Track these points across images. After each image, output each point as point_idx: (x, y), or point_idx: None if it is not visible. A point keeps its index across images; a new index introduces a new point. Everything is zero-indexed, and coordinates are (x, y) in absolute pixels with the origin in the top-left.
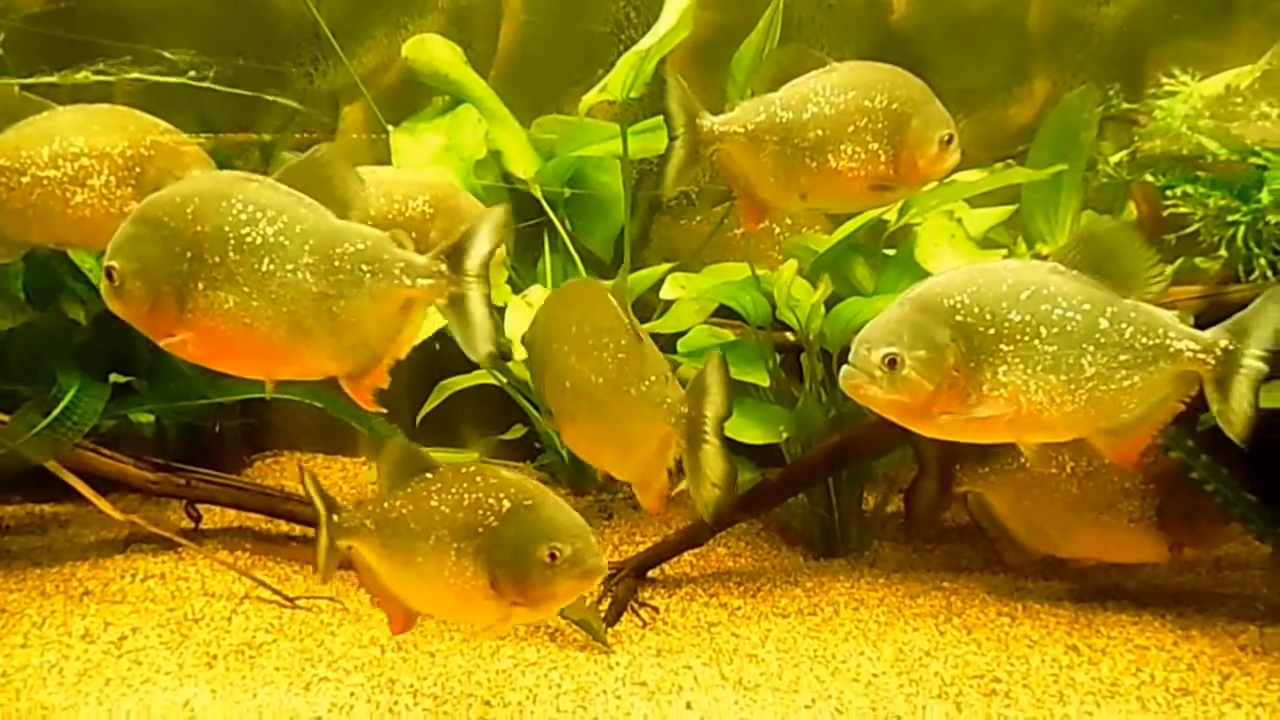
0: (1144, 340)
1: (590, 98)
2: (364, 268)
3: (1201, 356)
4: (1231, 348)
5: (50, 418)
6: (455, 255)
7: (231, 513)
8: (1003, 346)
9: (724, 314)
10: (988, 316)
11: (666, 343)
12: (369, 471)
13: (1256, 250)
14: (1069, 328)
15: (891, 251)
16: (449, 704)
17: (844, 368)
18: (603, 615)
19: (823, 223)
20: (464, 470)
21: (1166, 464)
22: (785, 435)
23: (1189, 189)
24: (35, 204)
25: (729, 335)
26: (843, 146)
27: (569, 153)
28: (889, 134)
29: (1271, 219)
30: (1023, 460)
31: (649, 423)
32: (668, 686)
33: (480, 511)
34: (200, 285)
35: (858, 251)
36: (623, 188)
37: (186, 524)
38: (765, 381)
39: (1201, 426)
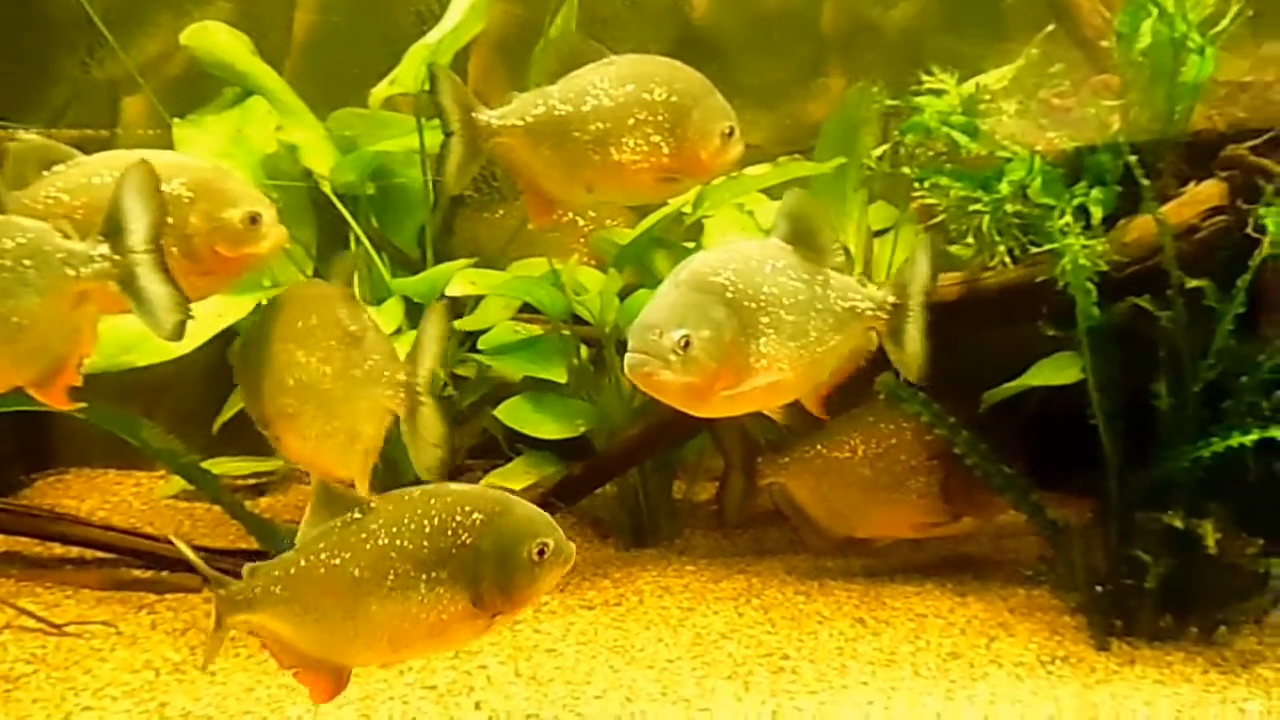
0: (842, 304)
1: (380, 90)
2: (27, 263)
3: (876, 313)
4: (898, 301)
5: None
6: (114, 234)
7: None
8: (762, 319)
9: (532, 311)
10: (749, 290)
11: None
12: (165, 485)
13: (998, 238)
14: (800, 297)
15: (691, 245)
16: None
17: (629, 355)
18: None
19: (626, 216)
20: (405, 497)
21: (945, 441)
22: (582, 428)
23: (937, 180)
24: None
25: (535, 330)
26: (624, 139)
27: (369, 147)
28: (670, 126)
29: (1010, 208)
30: (819, 447)
31: (375, 399)
32: (458, 688)
33: (450, 532)
34: None
35: (660, 244)
36: (426, 184)
37: None
38: (563, 378)
39: (984, 404)
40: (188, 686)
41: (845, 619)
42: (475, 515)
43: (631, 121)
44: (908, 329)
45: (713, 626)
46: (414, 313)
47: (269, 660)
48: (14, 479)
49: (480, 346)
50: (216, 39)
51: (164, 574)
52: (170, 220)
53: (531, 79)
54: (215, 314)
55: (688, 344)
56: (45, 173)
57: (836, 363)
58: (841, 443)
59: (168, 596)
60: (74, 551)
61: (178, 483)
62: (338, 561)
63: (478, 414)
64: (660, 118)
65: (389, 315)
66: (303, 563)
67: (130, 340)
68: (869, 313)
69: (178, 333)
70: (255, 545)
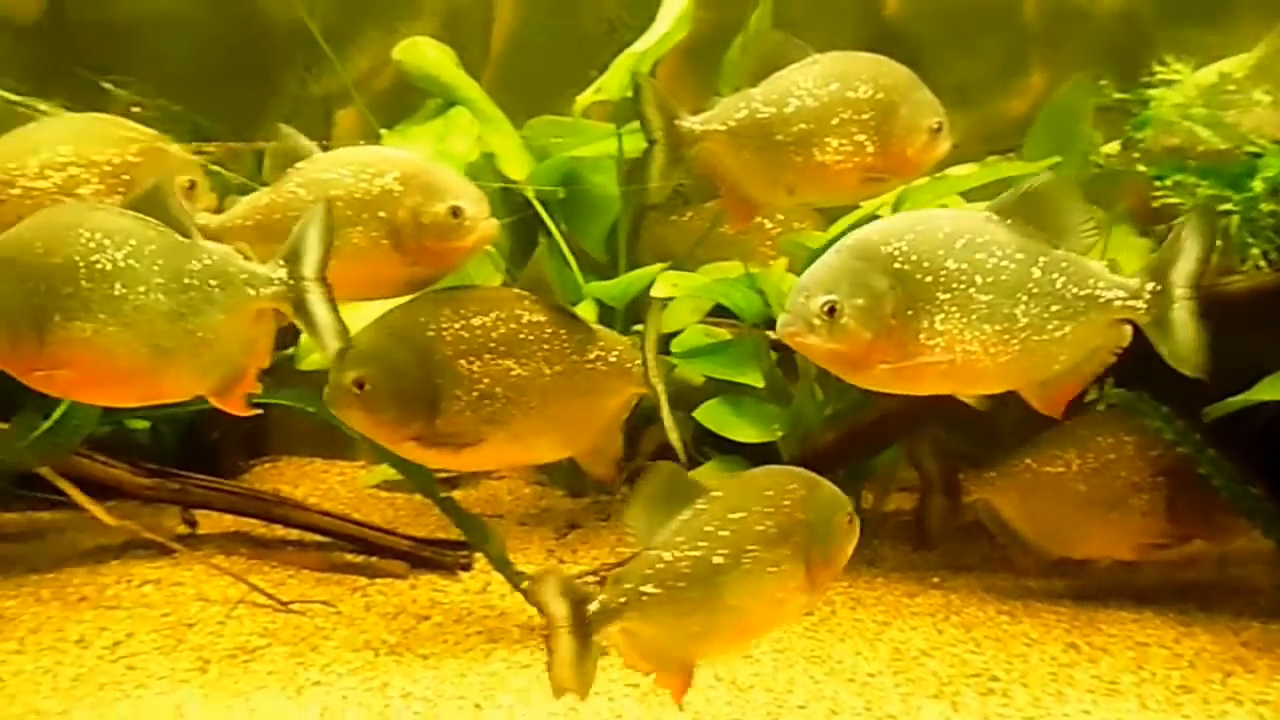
0: (1075, 290)
1: (585, 98)
2: (213, 283)
3: (1132, 303)
4: (1159, 288)
5: (50, 423)
6: (292, 261)
7: (228, 518)
8: (939, 295)
9: (721, 314)
10: (925, 264)
11: (662, 343)
12: (366, 475)
13: (1251, 240)
14: (1003, 277)
15: None
16: (440, 706)
17: (781, 315)
18: None
19: (814, 218)
20: (733, 481)
21: (1174, 457)
22: (780, 433)
23: (1181, 178)
24: (25, 216)
25: (724, 334)
26: (828, 140)
27: (562, 154)
28: (875, 125)
29: (1265, 207)
30: (1028, 462)
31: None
32: (659, 688)
33: (784, 508)
34: (56, 318)
35: None
36: (618, 187)
37: (183, 530)
38: (759, 382)
39: (1207, 418)
40: (405, 668)
41: (1056, 643)
42: (797, 489)
43: (835, 121)
44: (1176, 317)
45: (912, 642)
46: (605, 316)
47: (477, 649)
48: (235, 465)
49: (673, 349)
50: (425, 54)
51: (374, 559)
52: (381, 213)
53: (730, 81)
54: None
55: (833, 310)
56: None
57: (1071, 357)
58: (1054, 456)
59: (378, 581)
60: (293, 534)
61: (379, 473)
62: (698, 552)
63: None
64: (865, 116)
65: (583, 317)
66: (669, 558)
67: None
68: (1119, 302)
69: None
70: (452, 536)
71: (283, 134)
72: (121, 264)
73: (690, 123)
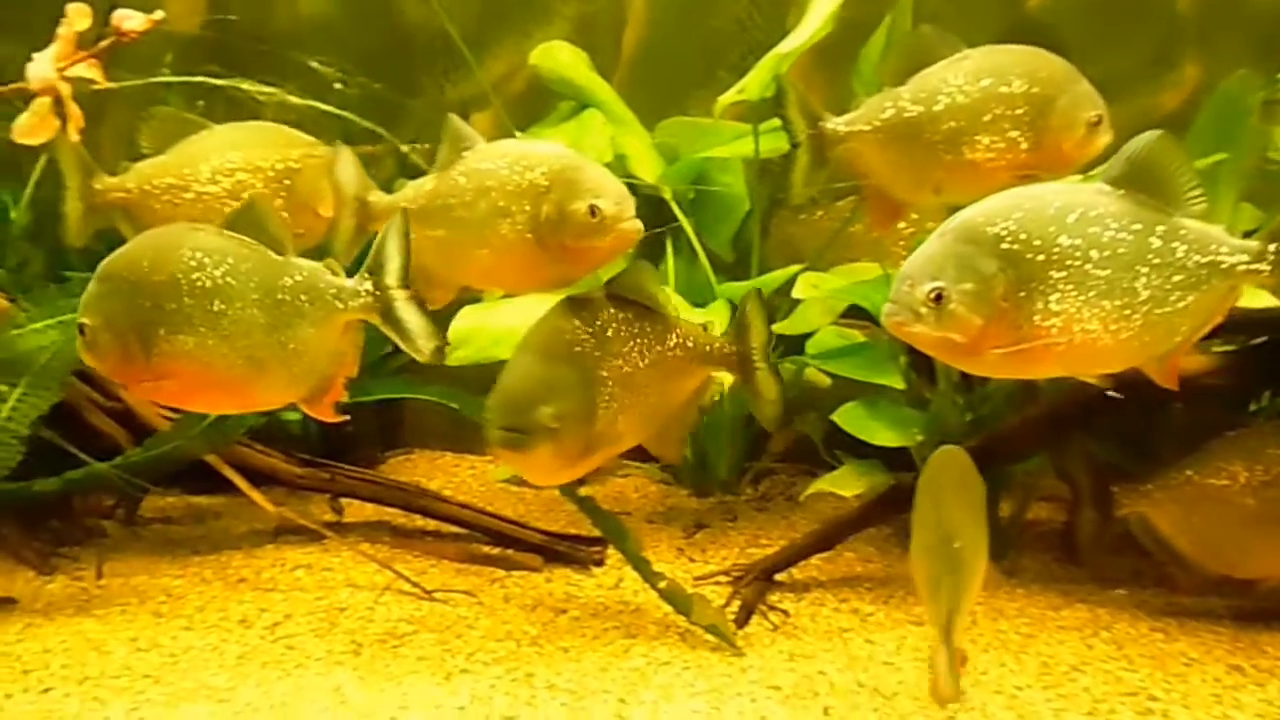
0: (1197, 258)
1: (728, 98)
2: (303, 298)
3: (1257, 267)
4: None
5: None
6: (376, 273)
7: (369, 507)
8: (1053, 273)
9: (850, 314)
10: (1036, 242)
11: (794, 343)
12: (496, 470)
13: None
14: (1120, 250)
15: None
16: (585, 699)
17: (886, 305)
18: (731, 618)
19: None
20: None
21: None
22: (918, 438)
23: None
24: (198, 219)
25: (858, 336)
26: (979, 138)
27: (693, 154)
28: (1030, 120)
29: None
30: (1189, 474)
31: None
32: (803, 690)
33: None
34: (162, 332)
35: None
36: (749, 189)
37: (330, 517)
38: (900, 384)
39: None
40: (547, 660)
41: (1218, 664)
42: None
43: (988, 118)
44: None
45: (1060, 657)
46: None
47: (616, 643)
48: (373, 456)
49: (808, 350)
50: (560, 58)
51: (509, 552)
52: (527, 207)
53: (864, 79)
54: None
55: (940, 297)
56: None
57: (1192, 327)
58: (1219, 469)
59: (514, 573)
60: (431, 525)
61: (507, 468)
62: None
63: (789, 419)
64: (1019, 112)
65: (716, 317)
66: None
67: (499, 335)
68: (1243, 267)
69: (438, 357)
70: (583, 531)
71: (452, 124)
72: (220, 281)
73: (835, 124)
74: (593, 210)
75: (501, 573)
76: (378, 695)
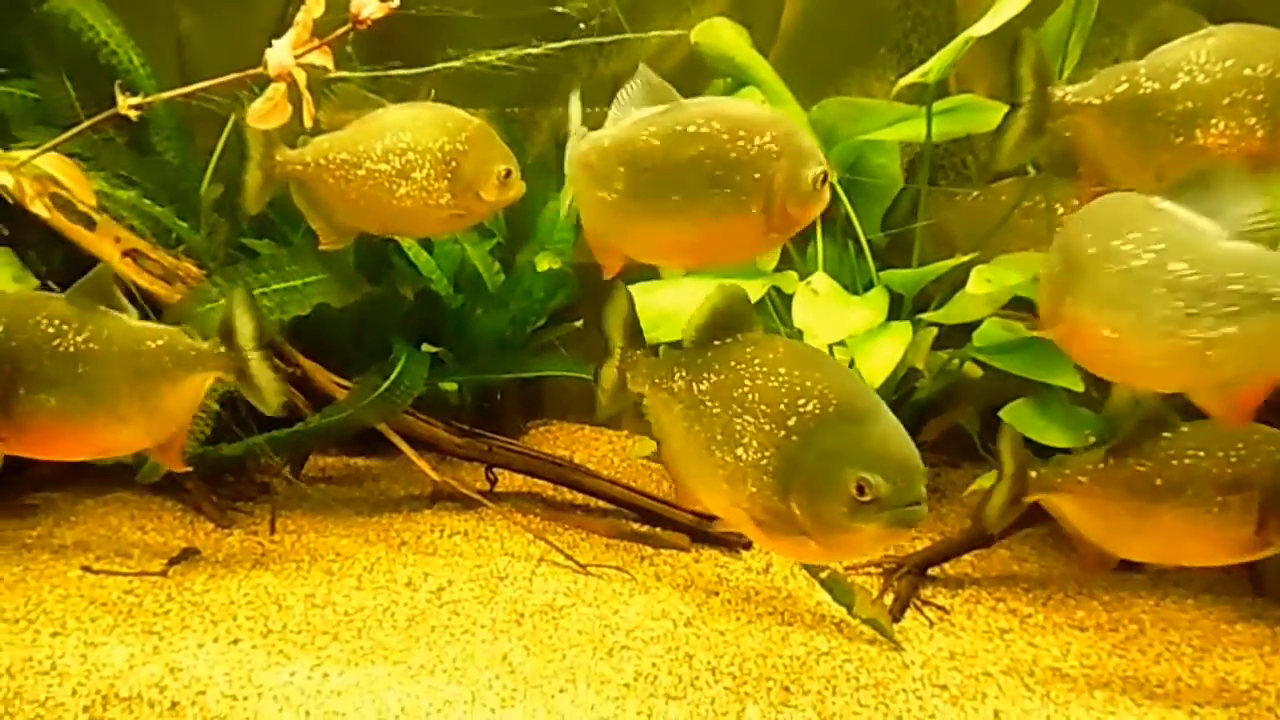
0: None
1: (910, 79)
2: (166, 359)
3: None
4: None
5: (388, 383)
6: (228, 336)
7: (519, 478)
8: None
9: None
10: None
11: (948, 334)
12: (636, 446)
13: None
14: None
15: None
16: (748, 685)
17: None
18: (887, 610)
19: None
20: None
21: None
22: (1091, 439)
23: None
24: (367, 195)
25: (1021, 328)
26: (1215, 121)
27: (851, 135)
28: (1270, 107)
29: None
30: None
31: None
32: (970, 691)
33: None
34: (22, 391)
35: None
36: (899, 170)
37: (483, 485)
38: (1078, 385)
39: None
40: (705, 642)
41: None
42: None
43: (1227, 101)
44: None
45: (1239, 674)
46: (896, 303)
47: (772, 629)
48: (516, 426)
49: (975, 343)
50: (722, 35)
51: (658, 530)
52: (756, 176)
53: (1025, 62)
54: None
55: None
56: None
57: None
58: (1124, 464)
59: (662, 551)
60: (579, 499)
61: (647, 445)
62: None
63: (941, 409)
64: (1260, 97)
65: (875, 306)
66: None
67: (658, 319)
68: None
69: (281, 412)
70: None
71: (642, 73)
72: (83, 347)
73: (1065, 92)
74: (818, 179)
75: (650, 550)
76: (545, 665)
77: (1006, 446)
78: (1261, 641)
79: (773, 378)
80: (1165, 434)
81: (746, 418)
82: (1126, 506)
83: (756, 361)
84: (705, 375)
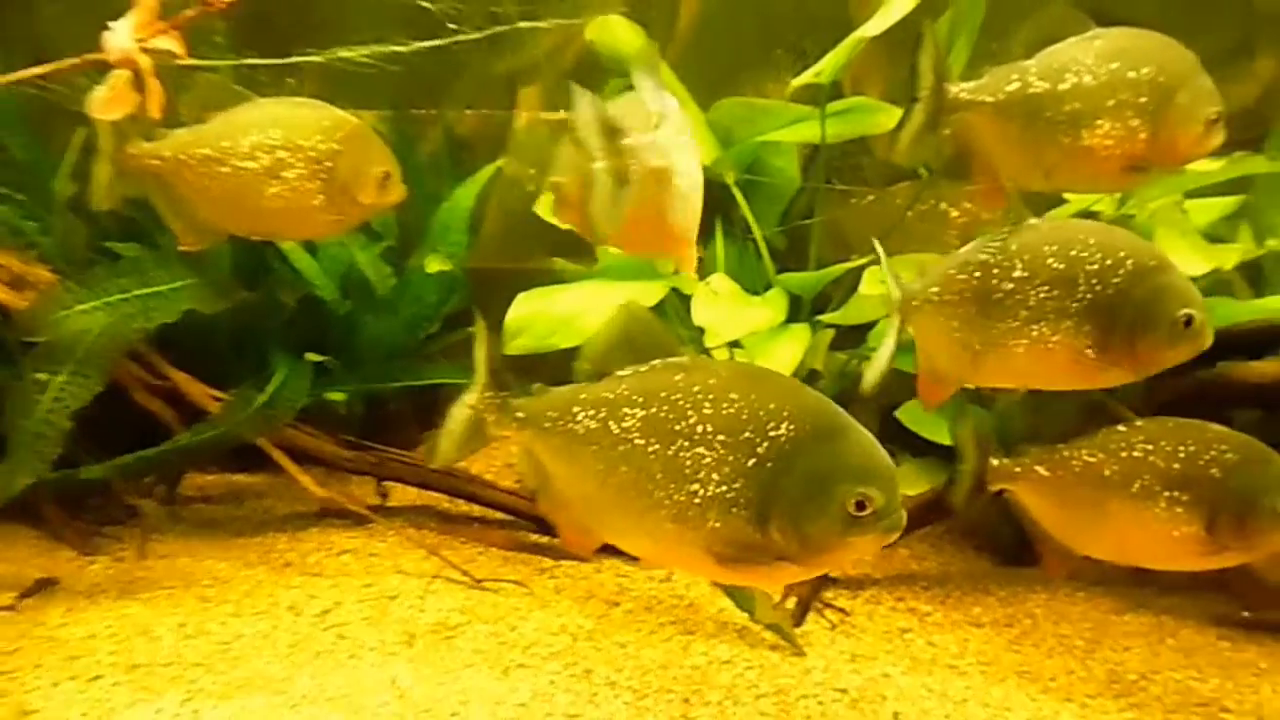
0: None
1: (803, 79)
2: None
3: None
4: None
5: (266, 396)
6: None
7: (413, 491)
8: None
9: None
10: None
11: (847, 336)
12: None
13: None
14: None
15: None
16: (649, 698)
17: None
18: (789, 614)
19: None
20: (1166, 424)
21: None
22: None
23: None
24: (232, 195)
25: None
26: (1099, 122)
27: (748, 136)
28: (1152, 109)
29: None
30: (1060, 455)
31: None
32: (870, 694)
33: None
34: None
35: None
36: (799, 172)
37: (374, 500)
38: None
39: None
40: (605, 655)
41: None
42: (1229, 455)
43: (1111, 103)
44: None
45: (1128, 664)
46: (795, 305)
47: (674, 639)
48: (412, 437)
49: (870, 343)
50: (618, 33)
51: (558, 540)
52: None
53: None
54: (630, 300)
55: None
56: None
57: None
58: (1085, 455)
59: (563, 563)
60: (476, 510)
61: None
62: (1094, 460)
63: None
64: (1143, 99)
65: (774, 307)
66: (1065, 454)
67: (555, 325)
68: None
69: None
70: None
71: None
72: None
73: (959, 89)
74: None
75: (550, 562)
76: (436, 689)
77: (966, 436)
78: (1149, 631)
79: (725, 404)
80: (1121, 426)
81: (702, 450)
82: (1080, 498)
83: (697, 389)
84: (629, 410)
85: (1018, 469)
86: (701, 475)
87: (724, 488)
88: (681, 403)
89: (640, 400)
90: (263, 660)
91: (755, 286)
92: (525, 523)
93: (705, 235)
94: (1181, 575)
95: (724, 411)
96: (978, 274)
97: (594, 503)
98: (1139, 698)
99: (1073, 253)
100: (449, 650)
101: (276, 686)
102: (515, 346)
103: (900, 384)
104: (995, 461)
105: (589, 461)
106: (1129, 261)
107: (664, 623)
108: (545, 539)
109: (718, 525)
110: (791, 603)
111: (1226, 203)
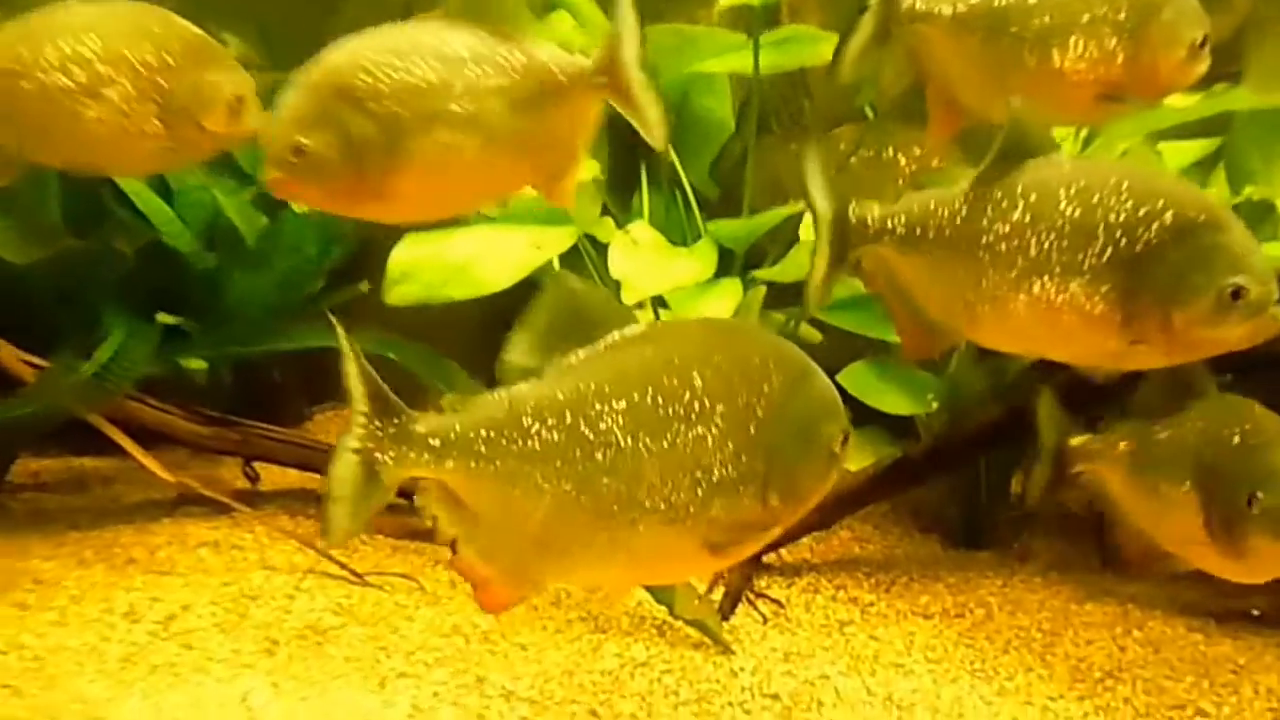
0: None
1: (728, 1)
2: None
3: (598, 79)
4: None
5: (95, 363)
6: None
7: (294, 473)
8: (415, 115)
9: None
10: (393, 85)
11: (785, 295)
12: None
13: None
14: (480, 82)
15: None
16: (549, 711)
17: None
18: (714, 607)
19: (955, 154)
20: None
21: None
22: (934, 404)
23: None
24: (39, 117)
25: (859, 285)
26: (1073, 40)
27: (676, 68)
28: (1130, 29)
29: None
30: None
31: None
32: (804, 699)
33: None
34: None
35: None
36: (731, 111)
37: (244, 484)
38: None
39: None
40: (501, 660)
41: (1270, 673)
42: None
43: (1086, 18)
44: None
45: (1092, 660)
46: (724, 259)
47: (583, 640)
48: (297, 412)
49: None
50: None
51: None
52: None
53: None
54: (534, 246)
55: (300, 150)
56: None
57: (560, 145)
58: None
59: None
60: None
61: None
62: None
63: None
64: (1122, 16)
65: (704, 259)
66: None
67: (451, 271)
68: (583, 82)
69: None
70: None
71: None
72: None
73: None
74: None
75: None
76: (296, 705)
77: (1044, 414)
78: (1113, 621)
79: (714, 370)
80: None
81: (701, 429)
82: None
83: (679, 360)
84: (603, 405)
85: (1101, 447)
86: (705, 460)
87: (728, 468)
88: (668, 380)
89: (616, 389)
90: (85, 678)
91: (686, 240)
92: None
93: (629, 179)
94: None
95: (717, 379)
96: (963, 210)
97: (552, 539)
98: (1105, 699)
99: (1096, 196)
100: (317, 659)
101: (98, 711)
102: (398, 295)
103: (841, 346)
104: (1075, 440)
105: (550, 487)
106: (1168, 213)
107: (573, 620)
108: None
109: (720, 513)
110: (720, 593)
111: (1202, 145)
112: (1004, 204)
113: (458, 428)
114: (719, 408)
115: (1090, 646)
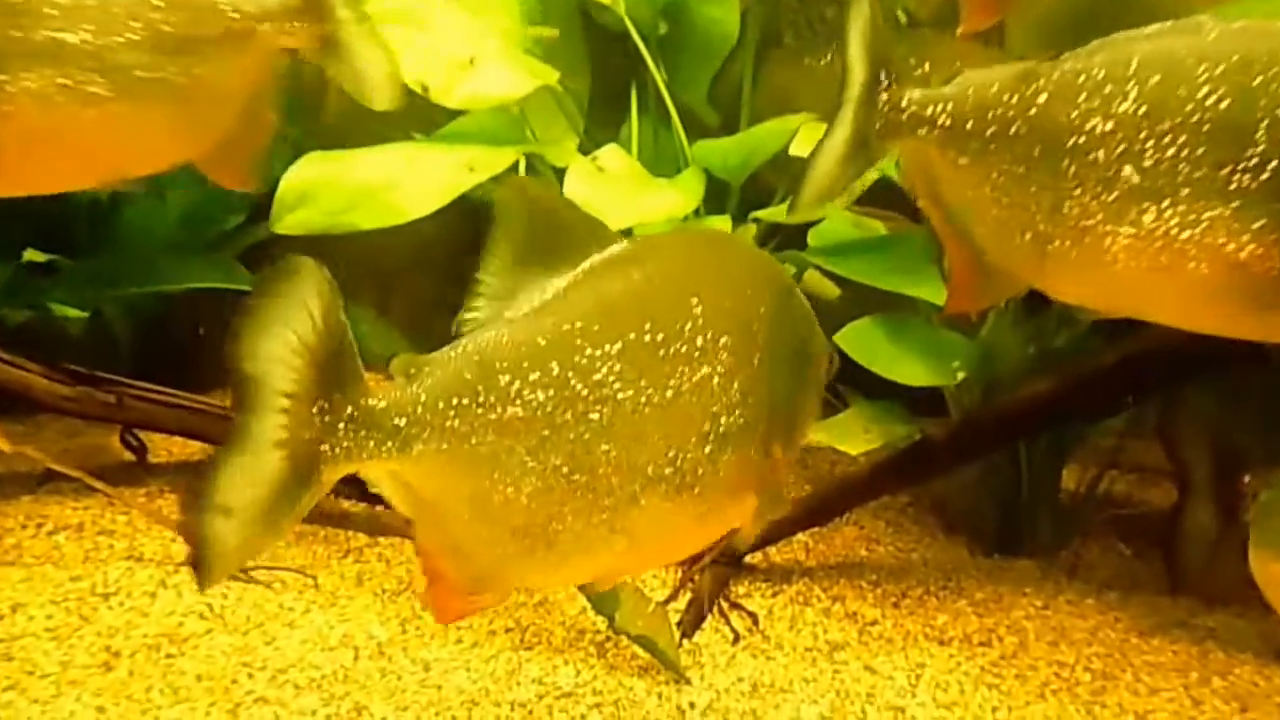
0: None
1: None
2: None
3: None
4: None
5: None
6: None
7: (196, 445)
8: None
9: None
10: None
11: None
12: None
13: None
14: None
15: None
16: None
17: None
18: (676, 620)
19: (979, 59)
20: None
21: None
22: (960, 375)
23: None
24: None
25: (879, 226)
26: None
27: None
28: None
29: None
30: None
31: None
32: None
33: None
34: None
35: None
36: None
37: (128, 457)
38: (938, 296)
39: None
40: (390, 684)
41: None
42: None
43: None
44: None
45: (1156, 716)
46: (716, 189)
47: (499, 658)
48: (211, 378)
49: (811, 243)
50: None
51: (379, 508)
52: None
53: None
54: (465, 167)
55: None
56: None
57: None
58: None
59: (382, 541)
60: None
61: None
62: None
63: None
64: None
65: (688, 190)
66: None
67: (354, 197)
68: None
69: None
70: None
71: None
72: None
73: None
74: None
75: (364, 539)
76: None
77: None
78: (1186, 664)
79: (712, 294)
80: None
81: (706, 369)
82: None
83: (673, 285)
84: (594, 349)
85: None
86: (714, 407)
87: (736, 413)
88: (665, 312)
89: (607, 327)
90: None
91: (677, 171)
92: (342, 485)
93: (617, 99)
94: (1234, 578)
95: (717, 305)
96: (1041, 97)
97: (530, 525)
98: None
99: (1255, 79)
100: (163, 676)
101: None
102: (290, 224)
103: (840, 301)
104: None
105: (537, 463)
106: None
107: (496, 630)
108: (363, 506)
109: (727, 472)
110: (684, 600)
111: None
112: (1106, 88)
113: (424, 398)
114: (724, 339)
115: (1155, 697)
